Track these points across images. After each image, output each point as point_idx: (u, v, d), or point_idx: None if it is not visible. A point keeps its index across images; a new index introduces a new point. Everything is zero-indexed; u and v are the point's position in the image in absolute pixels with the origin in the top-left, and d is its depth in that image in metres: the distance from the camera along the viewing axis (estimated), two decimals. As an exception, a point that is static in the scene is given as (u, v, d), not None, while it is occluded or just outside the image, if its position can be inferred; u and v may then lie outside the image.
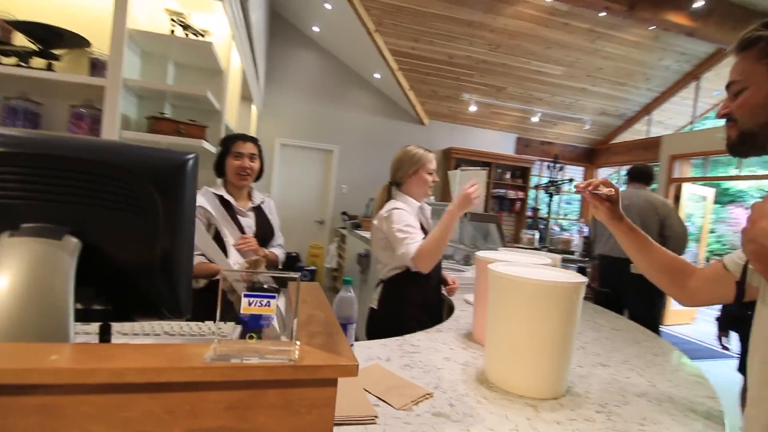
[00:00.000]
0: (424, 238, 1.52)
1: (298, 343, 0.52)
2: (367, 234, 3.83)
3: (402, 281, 1.58)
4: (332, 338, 0.58)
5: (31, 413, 0.43)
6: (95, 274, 0.60)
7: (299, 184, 5.84)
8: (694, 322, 5.59)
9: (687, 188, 5.50)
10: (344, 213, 5.66)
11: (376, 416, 0.76)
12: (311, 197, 5.89)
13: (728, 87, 0.76)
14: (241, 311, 0.50)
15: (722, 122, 0.79)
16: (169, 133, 2.17)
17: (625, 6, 3.92)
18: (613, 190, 0.94)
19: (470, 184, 1.45)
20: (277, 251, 1.81)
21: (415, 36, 4.94)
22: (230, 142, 1.69)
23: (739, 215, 9.47)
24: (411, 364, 1.03)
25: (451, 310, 1.72)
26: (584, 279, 0.93)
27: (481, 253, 1.26)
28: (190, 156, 0.63)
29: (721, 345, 1.91)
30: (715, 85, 5.93)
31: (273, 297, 0.51)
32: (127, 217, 0.60)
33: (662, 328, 4.49)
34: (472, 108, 6.01)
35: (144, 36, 2.06)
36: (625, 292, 2.87)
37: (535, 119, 6.42)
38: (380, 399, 0.83)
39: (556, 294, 0.88)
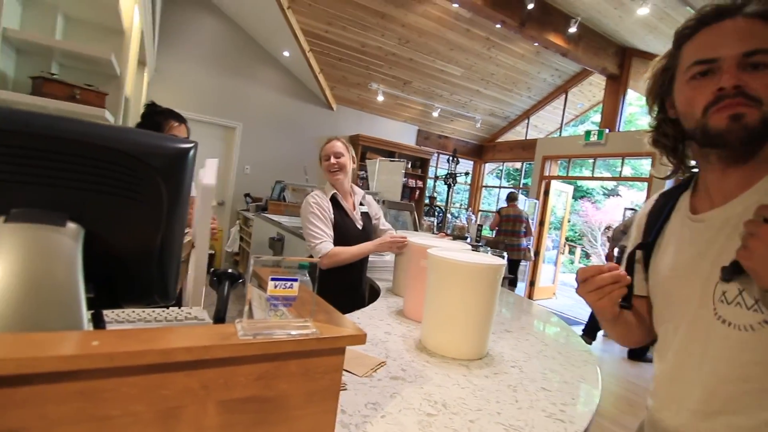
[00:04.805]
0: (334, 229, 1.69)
1: (309, 320, 0.60)
2: (276, 217, 3.79)
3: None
4: (331, 315, 0.67)
5: (71, 399, 0.45)
6: (87, 262, 0.60)
7: (197, 162, 5.41)
8: (555, 296, 6.70)
9: (553, 184, 6.49)
10: (247, 195, 5.44)
11: (345, 383, 0.86)
12: (210, 176, 5.51)
13: (748, 55, 0.59)
14: (268, 293, 0.57)
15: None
16: (62, 98, 1.91)
17: (517, 22, 4.45)
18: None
19: (402, 241, 1.62)
20: None
21: (328, 19, 4.92)
22: (162, 119, 1.56)
23: (587, 208, 11.42)
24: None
25: (372, 290, 1.87)
26: (503, 261, 1.14)
27: (414, 240, 1.43)
28: (193, 143, 0.65)
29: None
30: (579, 99, 7.04)
31: (296, 280, 0.58)
32: (128, 203, 0.60)
33: (533, 302, 5.42)
34: (380, 98, 6.21)
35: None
36: None
37: (435, 114, 6.89)
38: (344, 370, 0.93)
39: (485, 274, 1.08)
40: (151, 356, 0.47)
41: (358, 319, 1.32)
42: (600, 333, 4.99)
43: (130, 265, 0.63)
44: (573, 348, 1.30)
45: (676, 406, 0.68)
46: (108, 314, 0.73)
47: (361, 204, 1.88)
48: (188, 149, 0.64)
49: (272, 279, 0.57)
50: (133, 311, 0.74)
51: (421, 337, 1.17)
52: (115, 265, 0.63)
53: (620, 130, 5.77)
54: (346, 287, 1.76)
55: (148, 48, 3.62)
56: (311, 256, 1.66)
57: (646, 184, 5.53)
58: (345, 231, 1.74)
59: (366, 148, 6.18)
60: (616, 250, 4.30)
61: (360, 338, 0.60)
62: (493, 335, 1.30)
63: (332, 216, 1.71)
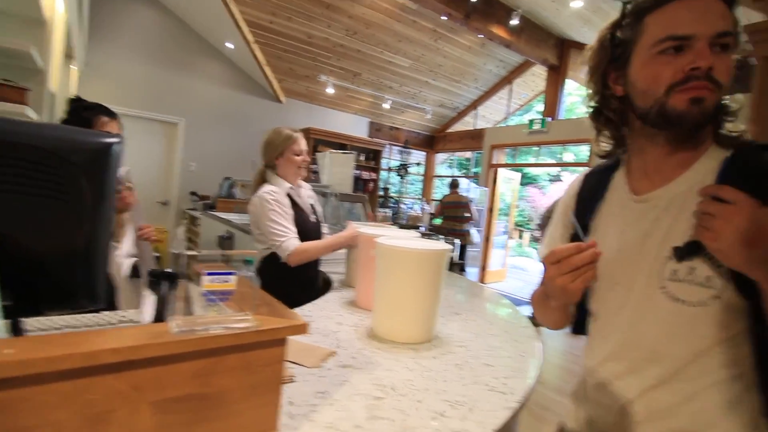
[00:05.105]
0: (296, 223, 1.65)
1: (248, 313, 0.60)
2: (225, 215, 3.67)
3: (279, 260, 1.63)
4: (273, 307, 0.67)
5: (-17, 411, 0.42)
6: (1, 267, 0.56)
7: (136, 161, 5.10)
8: (505, 279, 6.99)
9: (501, 172, 6.74)
10: (193, 193, 5.22)
11: (293, 375, 0.87)
12: (152, 175, 5.23)
13: (720, 36, 0.60)
14: (203, 288, 0.56)
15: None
16: (-25, 94, 1.74)
17: (462, 14, 4.54)
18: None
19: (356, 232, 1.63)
20: None
21: (273, 10, 4.78)
22: (91, 115, 1.45)
23: (534, 194, 11.96)
24: (310, 331, 1.14)
25: (326, 282, 1.87)
26: (449, 246, 1.18)
27: (364, 230, 1.44)
28: (117, 138, 0.62)
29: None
30: (522, 89, 7.32)
31: (232, 274, 0.58)
32: (47, 203, 0.57)
33: (484, 286, 5.70)
34: (329, 90, 6.14)
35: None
36: None
37: (386, 105, 6.91)
38: (292, 362, 0.93)
39: (429, 259, 1.11)
40: (72, 360, 0.45)
41: (310, 311, 1.32)
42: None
43: (52, 268, 0.60)
44: (518, 326, 1.37)
45: (626, 381, 0.69)
46: (31, 323, 0.68)
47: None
48: (111, 144, 0.61)
49: (207, 273, 0.56)
50: (61, 318, 0.70)
51: (372, 325, 1.19)
52: (35, 269, 0.59)
53: (561, 118, 6.07)
54: (303, 282, 1.74)
55: (77, 40, 3.36)
56: (271, 255, 1.63)
57: (587, 168, 5.87)
58: (303, 226, 1.72)
59: (318, 141, 6.10)
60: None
61: (301, 328, 0.61)
62: (442, 318, 1.35)
63: (291, 212, 1.68)
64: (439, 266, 1.13)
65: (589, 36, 5.45)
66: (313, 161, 5.47)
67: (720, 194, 0.56)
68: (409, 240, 1.28)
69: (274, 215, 1.60)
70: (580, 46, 5.77)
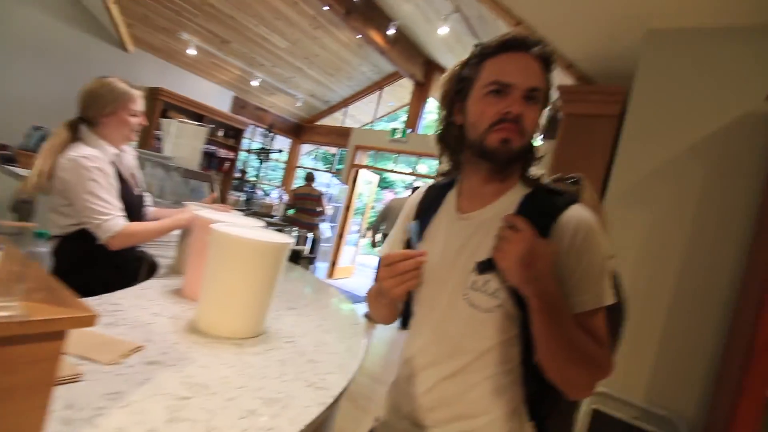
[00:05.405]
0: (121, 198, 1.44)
1: (14, 299, 0.49)
2: (29, 173, 2.95)
3: (88, 237, 1.38)
4: (55, 292, 0.56)
5: None
6: None
7: None
8: (352, 276, 7.28)
9: (362, 173, 7.00)
10: (-17, 138, 4.07)
11: (80, 374, 0.74)
12: None
13: (531, 90, 0.72)
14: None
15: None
16: None
17: (343, 10, 4.57)
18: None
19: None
20: None
21: (127, -61, 4.05)
22: None
23: (389, 198, 12.76)
24: (115, 322, 1.00)
25: (150, 266, 1.67)
26: (291, 240, 1.17)
27: (202, 213, 1.32)
28: None
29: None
30: (391, 98, 7.74)
31: (-9, 252, 0.46)
32: None
33: (330, 281, 5.87)
34: (191, 51, 5.49)
35: None
36: None
37: (254, 83, 6.51)
38: (83, 357, 0.80)
39: (269, 251, 1.08)
40: None
41: (121, 299, 1.15)
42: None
43: None
44: (348, 322, 1.43)
45: (427, 372, 0.80)
46: None
47: None
48: None
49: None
50: None
51: (195, 318, 1.10)
52: None
53: (420, 132, 6.61)
54: (118, 265, 1.50)
55: None
56: (78, 232, 1.36)
57: (430, 182, 6.51)
58: (128, 200, 1.48)
59: (168, 106, 5.39)
60: (378, 236, 4.96)
61: (86, 320, 0.52)
62: (277, 313, 1.33)
63: (117, 183, 1.43)
64: (276, 259, 1.11)
65: (451, 62, 6.06)
66: (157, 127, 4.80)
67: (514, 223, 0.70)
68: (249, 229, 1.23)
69: (95, 187, 1.34)
70: (442, 69, 6.38)
